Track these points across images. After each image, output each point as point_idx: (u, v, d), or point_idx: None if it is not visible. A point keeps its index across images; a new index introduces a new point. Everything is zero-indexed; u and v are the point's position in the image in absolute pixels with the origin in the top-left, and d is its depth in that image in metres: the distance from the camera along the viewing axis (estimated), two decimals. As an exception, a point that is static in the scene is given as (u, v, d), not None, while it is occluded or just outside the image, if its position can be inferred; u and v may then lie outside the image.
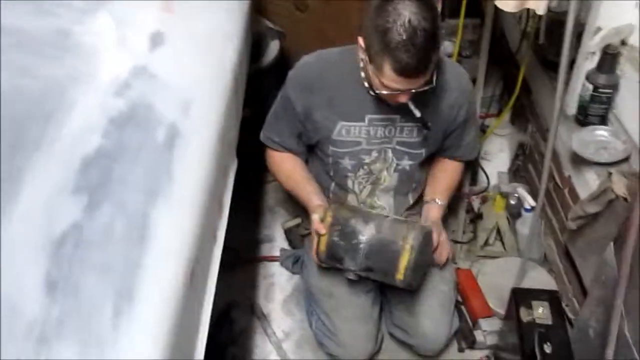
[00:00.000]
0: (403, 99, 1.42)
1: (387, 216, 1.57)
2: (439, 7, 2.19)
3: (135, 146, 0.91)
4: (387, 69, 1.32)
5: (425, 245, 1.53)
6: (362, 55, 1.43)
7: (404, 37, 1.26)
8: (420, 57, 1.30)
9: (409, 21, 1.26)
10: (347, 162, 1.67)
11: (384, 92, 1.41)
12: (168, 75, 1.06)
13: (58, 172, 0.78)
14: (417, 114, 1.45)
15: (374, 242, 1.50)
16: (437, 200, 1.73)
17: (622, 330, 1.35)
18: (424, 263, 1.58)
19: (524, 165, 2.22)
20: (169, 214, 0.90)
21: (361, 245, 1.50)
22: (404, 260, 1.46)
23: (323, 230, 1.53)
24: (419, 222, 1.66)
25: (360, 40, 1.39)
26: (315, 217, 1.57)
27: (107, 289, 0.75)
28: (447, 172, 1.80)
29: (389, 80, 1.35)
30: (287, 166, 1.75)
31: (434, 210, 1.72)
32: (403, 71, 1.31)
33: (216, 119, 1.17)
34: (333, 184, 1.75)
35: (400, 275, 1.48)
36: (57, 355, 0.68)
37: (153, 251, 0.84)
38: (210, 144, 1.11)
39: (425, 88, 1.39)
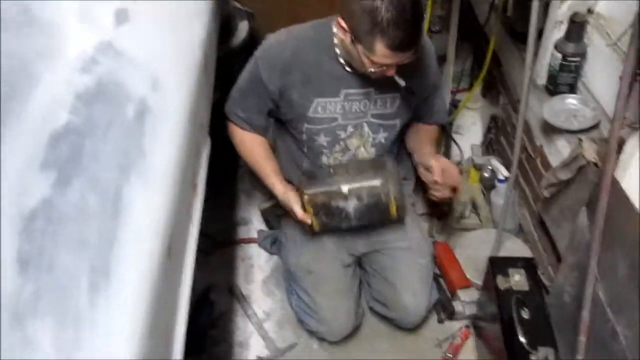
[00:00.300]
0: (391, 72, 1.43)
1: (359, 183, 1.60)
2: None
3: (105, 122, 0.89)
4: (380, 47, 1.32)
5: (401, 186, 1.67)
6: (342, 36, 1.42)
7: (394, 14, 1.27)
8: (411, 31, 1.32)
9: None
10: (322, 139, 1.66)
11: (373, 69, 1.41)
12: (135, 51, 1.03)
13: (26, 148, 0.76)
14: (402, 83, 1.47)
15: (361, 209, 1.61)
16: (423, 147, 1.73)
17: (596, 293, 1.38)
18: (404, 196, 1.73)
19: (496, 137, 2.24)
20: (142, 189, 0.88)
21: (351, 215, 1.62)
22: (393, 208, 1.62)
23: (309, 221, 1.59)
24: (383, 164, 1.66)
25: (342, 22, 1.39)
26: (298, 210, 1.58)
27: (82, 264, 0.74)
28: (425, 131, 1.82)
29: (382, 58, 1.36)
30: (248, 143, 1.73)
31: (425, 151, 1.70)
32: (397, 47, 1.32)
33: (186, 96, 1.15)
34: (306, 161, 1.74)
35: (394, 217, 1.65)
36: (33, 332, 0.67)
37: (128, 226, 0.82)
38: (181, 121, 1.09)
39: (413, 58, 1.41)
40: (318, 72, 1.56)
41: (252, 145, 1.73)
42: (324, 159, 1.71)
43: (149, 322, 0.81)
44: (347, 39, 1.39)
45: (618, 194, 1.32)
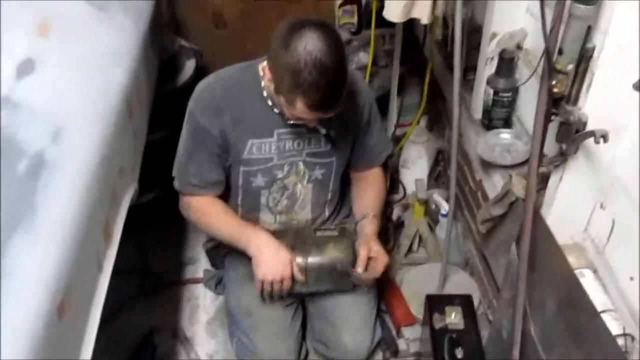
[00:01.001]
0: (312, 124, 1.44)
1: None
2: (356, 19, 2.23)
3: (-10, 180, 0.88)
4: (300, 105, 1.32)
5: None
6: (267, 82, 1.42)
7: (316, 76, 1.26)
8: (332, 94, 1.32)
9: (320, 60, 1.26)
10: (259, 180, 1.64)
11: (293, 120, 1.42)
12: (35, 103, 1.02)
13: None
14: (323, 132, 1.49)
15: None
16: (369, 213, 1.70)
17: (529, 330, 1.37)
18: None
19: (444, 170, 2.25)
20: (29, 247, 0.87)
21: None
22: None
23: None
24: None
25: (267, 70, 1.38)
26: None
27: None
28: (369, 185, 1.79)
29: (301, 113, 1.36)
30: (206, 206, 1.66)
31: (368, 225, 1.68)
32: (316, 108, 1.32)
33: (96, 144, 1.14)
34: (241, 210, 1.72)
35: None
36: None
37: (8, 286, 0.80)
38: (88, 171, 1.08)
39: (334, 113, 1.39)
40: (249, 113, 1.55)
41: (209, 207, 1.66)
42: (263, 200, 1.69)
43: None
44: (272, 86, 1.39)
45: (543, 230, 1.32)
